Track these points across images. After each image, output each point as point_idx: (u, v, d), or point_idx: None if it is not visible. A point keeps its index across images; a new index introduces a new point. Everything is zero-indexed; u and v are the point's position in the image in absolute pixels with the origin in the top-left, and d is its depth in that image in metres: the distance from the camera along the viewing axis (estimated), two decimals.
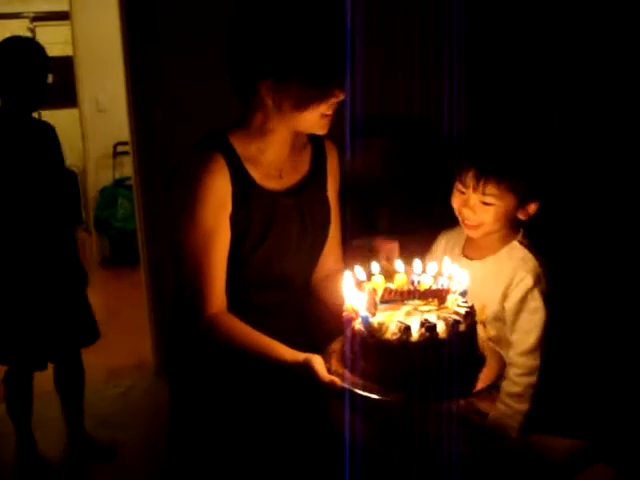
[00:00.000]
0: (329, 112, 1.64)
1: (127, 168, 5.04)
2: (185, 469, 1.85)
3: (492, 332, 1.90)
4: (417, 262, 1.61)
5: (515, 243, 1.92)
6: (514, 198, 1.85)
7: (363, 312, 1.47)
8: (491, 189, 1.82)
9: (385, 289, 1.56)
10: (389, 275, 1.60)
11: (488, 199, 1.83)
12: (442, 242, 2.07)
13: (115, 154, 5.69)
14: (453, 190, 1.92)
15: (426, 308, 1.52)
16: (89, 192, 5.91)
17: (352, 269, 1.58)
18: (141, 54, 3.27)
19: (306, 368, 1.51)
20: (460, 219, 1.92)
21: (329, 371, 1.49)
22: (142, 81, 3.32)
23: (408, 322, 1.45)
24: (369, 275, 1.60)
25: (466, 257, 1.97)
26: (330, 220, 1.84)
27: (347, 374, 1.48)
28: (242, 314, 1.67)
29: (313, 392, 1.53)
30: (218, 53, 1.70)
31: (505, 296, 1.88)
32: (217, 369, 1.77)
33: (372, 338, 1.45)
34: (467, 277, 1.55)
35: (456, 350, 1.43)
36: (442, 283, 1.56)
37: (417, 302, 1.55)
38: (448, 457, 1.68)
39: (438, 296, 1.54)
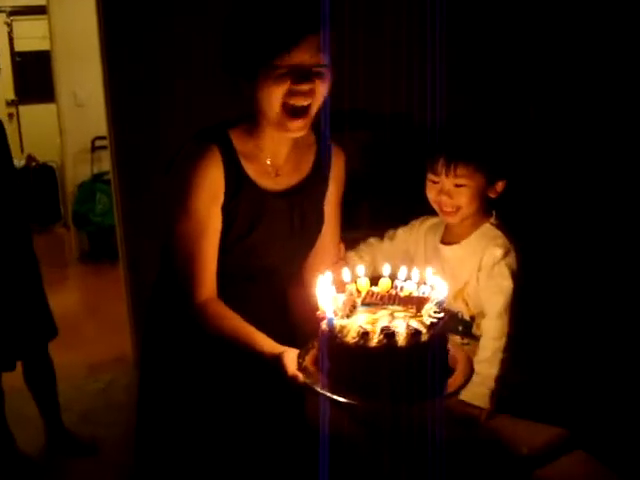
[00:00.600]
0: (291, 102, 1.61)
1: (105, 163, 5.01)
2: (154, 461, 1.87)
3: (474, 310, 2.03)
4: (402, 269, 1.62)
5: (487, 225, 2.06)
6: (483, 177, 2.00)
7: (329, 314, 1.48)
8: (461, 171, 1.97)
9: (367, 292, 1.57)
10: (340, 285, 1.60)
11: (460, 181, 1.98)
12: (425, 226, 2.16)
13: (93, 149, 5.66)
14: (426, 183, 2.05)
15: (401, 315, 1.52)
16: (67, 187, 5.89)
17: (330, 271, 1.58)
18: (119, 48, 3.26)
19: (278, 361, 1.52)
20: (437, 209, 2.05)
21: (300, 367, 1.50)
22: (120, 75, 3.31)
23: (370, 327, 1.45)
24: (354, 277, 1.60)
25: (443, 243, 2.10)
26: (321, 225, 1.85)
27: (315, 372, 1.50)
28: (225, 302, 1.70)
29: (287, 386, 1.53)
30: (202, 48, 1.71)
31: (473, 273, 2.02)
32: (194, 361, 1.79)
33: (334, 340, 1.46)
34: (446, 289, 1.56)
35: (416, 359, 1.42)
36: (423, 291, 1.57)
37: (397, 308, 1.56)
38: (421, 450, 1.69)
39: (416, 304, 1.55)
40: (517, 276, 1.98)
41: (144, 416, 1.91)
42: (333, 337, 1.46)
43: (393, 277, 1.63)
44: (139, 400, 1.92)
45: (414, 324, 1.46)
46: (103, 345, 4.00)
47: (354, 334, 1.44)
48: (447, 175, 1.98)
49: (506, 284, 1.98)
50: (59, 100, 5.60)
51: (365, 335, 1.43)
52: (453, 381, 1.49)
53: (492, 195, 2.04)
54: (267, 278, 1.80)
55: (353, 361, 1.45)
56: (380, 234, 2.21)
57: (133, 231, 3.55)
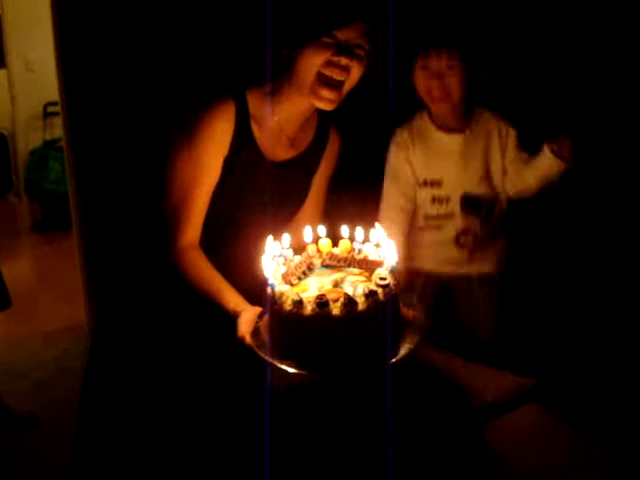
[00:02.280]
0: (327, 72, 1.69)
1: (58, 129, 4.94)
2: (95, 427, 1.90)
3: (461, 224, 2.22)
4: (359, 230, 1.63)
5: (480, 110, 2.25)
6: (468, 64, 2.13)
7: (271, 279, 1.48)
8: (453, 52, 2.10)
9: (327, 253, 1.58)
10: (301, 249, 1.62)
11: (452, 62, 2.10)
12: (405, 135, 2.25)
13: (45, 115, 5.56)
14: (415, 72, 2.16)
15: (353, 279, 1.52)
16: (19, 155, 5.78)
17: (277, 237, 1.59)
18: (70, 11, 3.18)
19: (235, 319, 1.55)
20: (427, 96, 2.16)
21: (255, 328, 1.52)
22: (71, 39, 3.24)
23: (307, 294, 1.45)
24: (316, 238, 1.62)
25: (442, 130, 2.23)
26: (304, 200, 1.92)
27: (264, 335, 1.52)
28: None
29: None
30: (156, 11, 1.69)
31: (488, 155, 2.23)
32: (154, 322, 1.82)
33: (274, 306, 1.46)
34: (395, 254, 1.57)
35: (351, 329, 1.42)
36: (379, 254, 1.58)
37: (354, 270, 1.56)
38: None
39: (370, 267, 1.55)
40: None
41: (90, 382, 1.93)
42: (273, 303, 1.47)
43: (353, 238, 1.63)
44: (87, 366, 1.93)
45: (359, 290, 1.46)
46: (57, 314, 3.97)
47: (289, 302, 1.44)
48: (439, 56, 2.09)
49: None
50: (10, 65, 5.48)
51: (299, 304, 1.42)
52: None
53: (477, 82, 2.17)
54: (243, 234, 1.82)
55: (289, 329, 1.45)
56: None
57: (86, 199, 3.51)
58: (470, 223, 2.23)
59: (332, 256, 1.57)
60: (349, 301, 1.42)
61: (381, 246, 1.59)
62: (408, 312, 1.59)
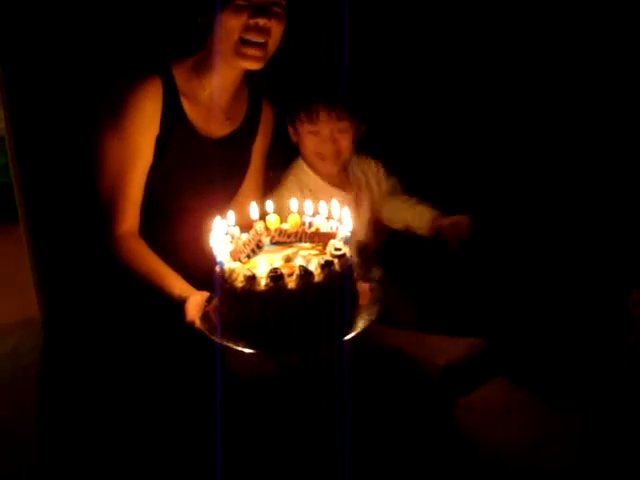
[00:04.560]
0: (247, 36, 1.66)
1: None
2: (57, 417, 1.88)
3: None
4: (308, 203, 1.60)
5: (354, 157, 2.22)
6: (356, 121, 2.09)
7: (220, 257, 1.43)
8: (342, 114, 2.03)
9: (276, 229, 1.54)
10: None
11: (342, 125, 2.05)
12: (293, 183, 2.15)
13: None
14: (302, 139, 2.07)
15: (305, 253, 1.48)
16: None
17: (222, 215, 1.55)
18: None
19: (183, 305, 1.52)
20: (318, 159, 2.09)
21: (203, 312, 1.49)
22: (9, 16, 3.10)
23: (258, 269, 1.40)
24: (262, 214, 1.58)
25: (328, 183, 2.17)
26: (244, 174, 1.90)
27: (214, 317, 1.47)
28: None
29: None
30: None
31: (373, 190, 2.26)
32: (103, 316, 1.77)
33: (224, 284, 1.41)
34: (351, 223, 1.55)
35: (311, 301, 1.38)
36: (331, 226, 1.55)
37: (305, 245, 1.52)
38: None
39: (323, 240, 1.52)
40: None
41: (47, 378, 1.90)
42: (223, 282, 1.41)
43: (302, 212, 1.61)
44: (43, 361, 1.88)
45: (313, 263, 1.41)
46: (7, 308, 3.89)
47: (242, 278, 1.38)
48: (329, 120, 2.02)
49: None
50: None
51: (252, 279, 1.37)
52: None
53: (359, 135, 2.15)
54: (186, 216, 1.79)
55: (241, 307, 1.39)
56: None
57: (32, 189, 3.41)
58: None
59: (281, 232, 1.53)
60: (305, 272, 1.37)
61: (333, 217, 1.56)
62: (364, 285, 1.57)
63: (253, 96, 1.88)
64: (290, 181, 2.15)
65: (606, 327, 2.01)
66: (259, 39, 1.67)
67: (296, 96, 2.08)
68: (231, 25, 1.65)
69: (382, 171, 2.32)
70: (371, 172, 2.31)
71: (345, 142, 2.09)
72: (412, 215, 2.17)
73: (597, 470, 1.59)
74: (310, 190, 2.12)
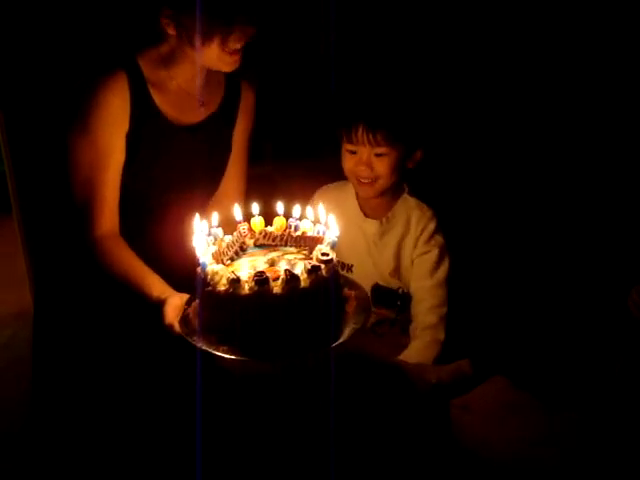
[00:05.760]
0: (234, 47, 1.60)
1: None
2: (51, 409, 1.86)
3: (374, 315, 2.00)
4: (296, 206, 1.57)
5: (406, 195, 2.05)
6: (402, 146, 1.94)
7: (202, 258, 1.38)
8: (382, 139, 1.90)
9: (260, 232, 1.49)
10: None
11: (380, 150, 1.91)
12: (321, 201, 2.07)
13: None
14: (342, 154, 1.97)
15: (290, 257, 1.43)
16: None
17: (207, 216, 1.51)
18: None
19: (161, 307, 1.48)
20: (354, 181, 1.98)
21: (183, 314, 1.44)
22: (3, 17, 3.09)
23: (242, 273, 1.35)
24: (247, 216, 1.54)
25: (364, 213, 2.05)
26: (227, 161, 1.83)
27: (194, 321, 1.42)
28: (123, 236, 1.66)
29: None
30: None
31: (401, 247, 2.01)
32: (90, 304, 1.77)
33: (206, 287, 1.36)
34: (337, 229, 1.51)
35: (297, 307, 1.33)
36: (318, 230, 1.50)
37: (291, 249, 1.48)
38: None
39: (309, 244, 1.48)
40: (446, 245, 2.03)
41: (39, 371, 1.89)
42: (205, 284, 1.36)
43: (288, 215, 1.56)
44: (34, 354, 1.88)
45: (299, 268, 1.37)
46: (2, 300, 3.86)
47: (225, 281, 1.33)
48: (367, 144, 1.90)
49: (445, 252, 2.00)
50: None
51: (236, 282, 1.32)
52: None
53: (410, 165, 2.00)
54: (168, 213, 1.76)
55: (224, 311, 1.34)
56: (283, 170, 2.17)
57: (27, 180, 3.40)
58: (383, 314, 2.07)
59: (266, 234, 1.49)
60: (291, 277, 1.32)
61: (320, 222, 1.52)
62: (349, 292, 1.53)
63: (230, 79, 1.81)
64: (335, 187, 2.11)
65: (606, 327, 2.00)
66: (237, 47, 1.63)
67: (339, 111, 2.02)
68: (222, 47, 1.61)
69: (427, 234, 2.02)
70: (415, 225, 2.03)
71: (382, 168, 1.93)
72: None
73: (596, 470, 1.58)
74: (338, 205, 1.95)
